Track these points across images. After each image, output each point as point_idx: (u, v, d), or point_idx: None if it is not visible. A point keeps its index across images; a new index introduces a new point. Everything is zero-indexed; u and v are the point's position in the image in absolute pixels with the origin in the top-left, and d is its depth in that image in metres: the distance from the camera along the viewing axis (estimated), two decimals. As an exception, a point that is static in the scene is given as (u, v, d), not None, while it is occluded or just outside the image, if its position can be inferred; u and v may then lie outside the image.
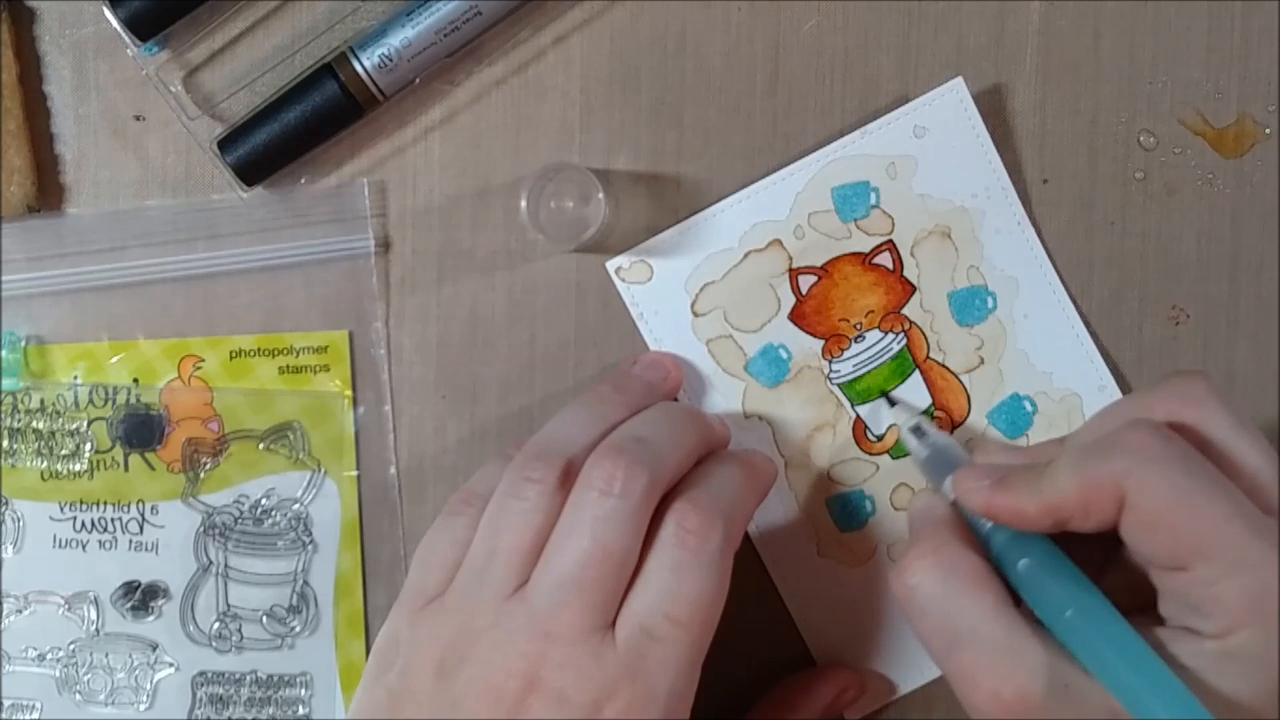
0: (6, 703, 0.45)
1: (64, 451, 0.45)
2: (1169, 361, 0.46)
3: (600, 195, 0.42)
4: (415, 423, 0.45)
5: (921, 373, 0.45)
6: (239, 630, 0.45)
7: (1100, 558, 0.37)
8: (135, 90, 0.44)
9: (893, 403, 0.45)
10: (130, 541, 0.45)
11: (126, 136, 0.44)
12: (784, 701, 0.44)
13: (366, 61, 0.42)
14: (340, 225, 0.45)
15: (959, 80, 0.44)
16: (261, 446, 0.45)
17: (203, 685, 0.45)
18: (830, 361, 0.45)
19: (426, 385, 0.45)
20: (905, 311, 0.45)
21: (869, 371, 0.45)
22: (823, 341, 0.45)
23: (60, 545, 0.45)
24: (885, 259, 0.45)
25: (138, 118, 0.44)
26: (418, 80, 0.43)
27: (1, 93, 0.43)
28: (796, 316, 0.45)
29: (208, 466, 0.45)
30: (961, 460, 0.41)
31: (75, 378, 0.45)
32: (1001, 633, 0.35)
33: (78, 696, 0.45)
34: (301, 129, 0.42)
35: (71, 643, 0.45)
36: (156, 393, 0.45)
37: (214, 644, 0.45)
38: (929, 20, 0.45)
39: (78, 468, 0.45)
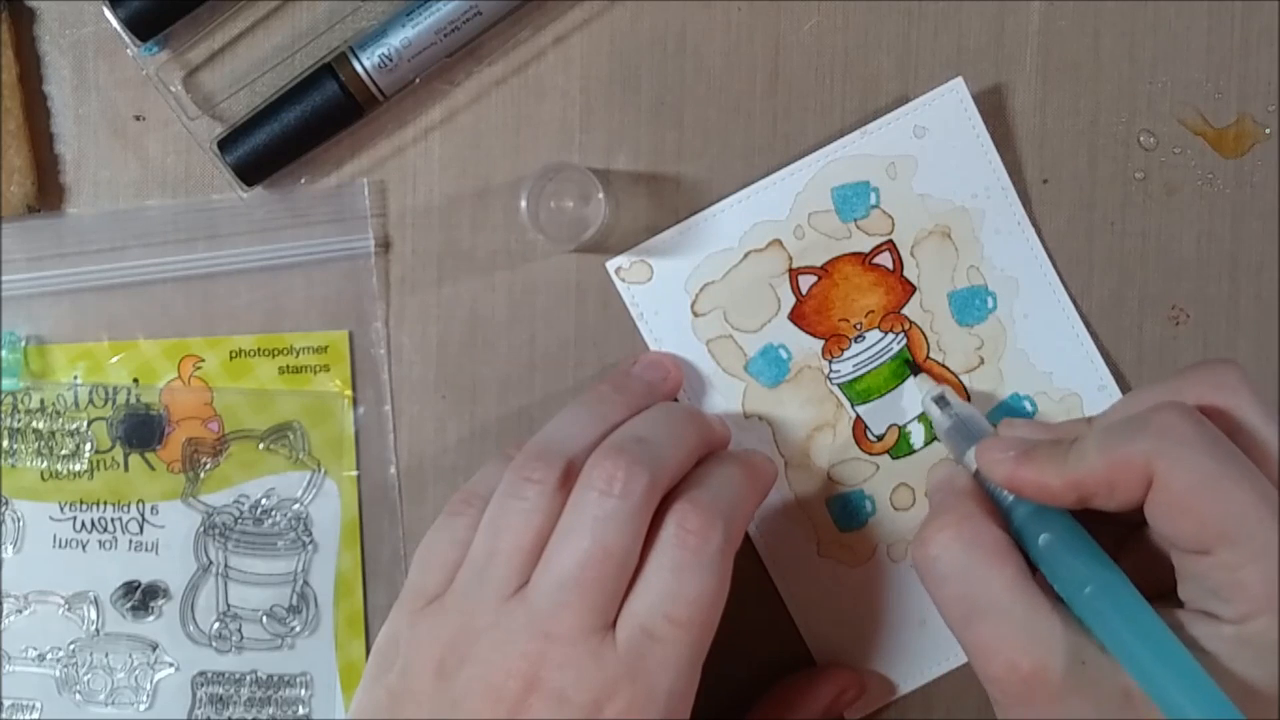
0: (6, 703, 0.45)
1: (64, 451, 0.45)
2: (1169, 361, 0.46)
3: (600, 195, 0.42)
4: (415, 423, 0.45)
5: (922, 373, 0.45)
6: (239, 630, 0.45)
7: (1118, 537, 0.37)
8: (135, 90, 0.44)
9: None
10: (130, 541, 0.45)
11: (126, 136, 0.44)
12: (784, 701, 0.44)
13: (366, 61, 0.42)
14: (340, 225, 0.45)
15: (959, 80, 0.44)
16: (261, 446, 0.45)
17: (203, 685, 0.45)
18: (830, 361, 0.45)
19: (426, 385, 0.45)
20: (905, 311, 0.45)
21: (869, 371, 0.45)
22: (823, 341, 0.45)
23: (60, 545, 0.45)
24: (885, 259, 0.45)
25: (138, 118, 0.44)
26: (418, 80, 0.43)
27: (1, 93, 0.43)
28: (796, 316, 0.45)
29: (208, 466, 0.45)
30: (985, 431, 0.41)
31: (75, 378, 0.45)
32: (1021, 606, 0.35)
33: (78, 696, 0.45)
34: (301, 129, 0.42)
35: (71, 643, 0.45)
36: (156, 393, 0.45)
37: (214, 644, 0.45)
38: (929, 20, 0.45)
39: (78, 468, 0.45)
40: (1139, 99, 0.45)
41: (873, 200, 0.44)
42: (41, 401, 0.45)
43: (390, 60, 0.42)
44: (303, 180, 0.44)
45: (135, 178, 0.45)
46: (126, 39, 0.42)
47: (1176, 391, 0.37)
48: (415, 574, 0.39)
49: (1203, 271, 0.46)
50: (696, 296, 0.44)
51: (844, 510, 0.45)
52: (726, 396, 0.45)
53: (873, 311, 0.45)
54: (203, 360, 0.45)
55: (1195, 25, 0.45)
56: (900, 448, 0.45)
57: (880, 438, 0.45)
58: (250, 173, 0.43)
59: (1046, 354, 0.45)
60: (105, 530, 0.45)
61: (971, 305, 0.45)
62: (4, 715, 0.45)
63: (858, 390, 0.45)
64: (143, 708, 0.45)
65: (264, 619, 0.45)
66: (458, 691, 0.35)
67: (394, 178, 0.45)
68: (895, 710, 0.46)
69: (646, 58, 0.45)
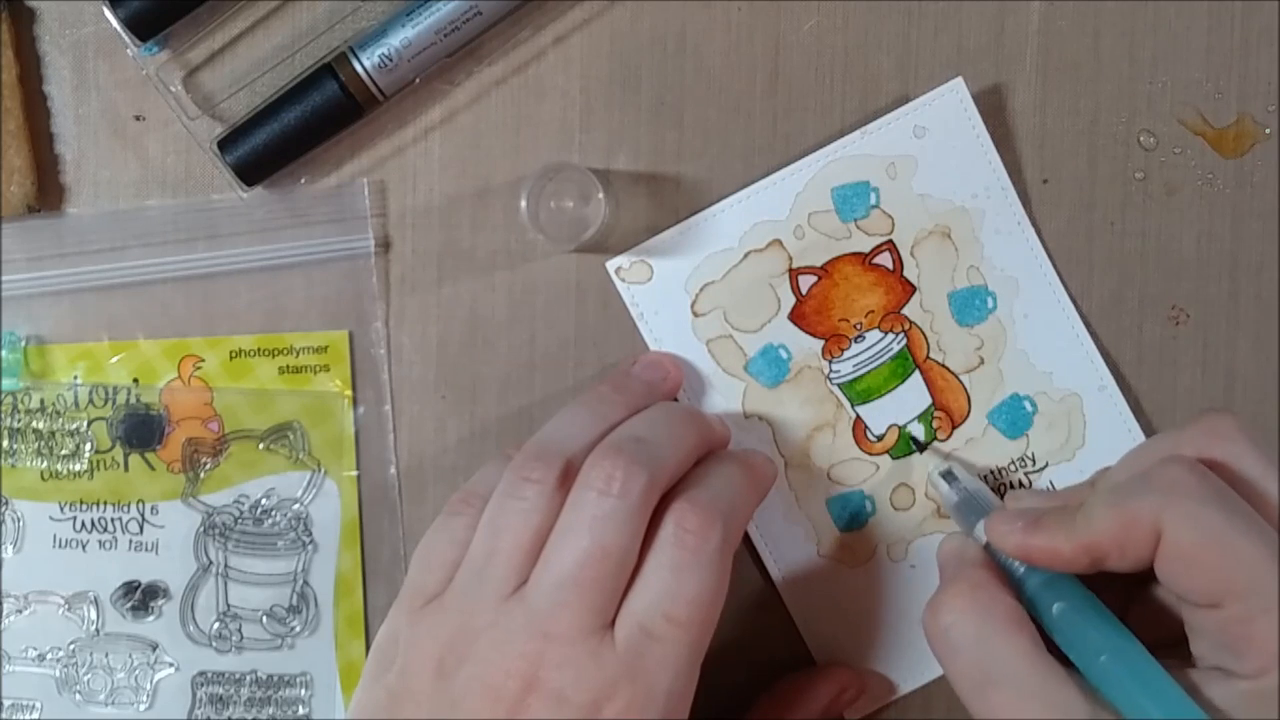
0: (6, 703, 0.45)
1: (64, 451, 0.45)
2: (1169, 361, 0.46)
3: (600, 195, 0.42)
4: (415, 423, 0.45)
5: (921, 373, 0.45)
6: (239, 630, 0.45)
7: (1125, 594, 0.37)
8: (135, 90, 0.44)
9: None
10: (130, 541, 0.45)
11: (126, 136, 0.44)
12: (784, 701, 0.44)
13: (366, 61, 0.42)
14: (340, 225, 0.45)
15: (959, 80, 0.44)
16: (261, 446, 0.45)
17: (203, 685, 0.45)
18: (830, 361, 0.45)
19: (426, 385, 0.45)
20: (905, 311, 0.45)
21: (869, 371, 0.45)
22: (823, 341, 0.45)
23: (60, 545, 0.45)
24: (885, 259, 0.45)
25: (138, 118, 0.44)
26: (418, 80, 0.43)
27: (2, 93, 0.43)
28: (796, 316, 0.45)
29: (208, 466, 0.45)
30: (993, 505, 0.41)
31: (75, 378, 0.45)
32: (1038, 676, 0.35)
33: (78, 696, 0.45)
34: (301, 129, 0.42)
35: (71, 643, 0.45)
36: (156, 393, 0.45)
37: (214, 644, 0.45)
38: (929, 20, 0.45)
39: (78, 468, 0.45)
40: (1139, 99, 0.45)
41: (873, 200, 0.44)
42: (41, 401, 0.45)
43: (390, 60, 0.42)
44: (303, 180, 0.44)
45: (135, 178, 0.45)
46: (126, 39, 0.42)
47: (1175, 444, 0.37)
48: (414, 573, 0.39)
49: (1203, 271, 0.46)
50: (696, 296, 0.44)
51: (844, 510, 0.45)
52: (726, 396, 0.45)
53: (873, 311, 0.45)
54: (203, 360, 0.45)
55: (1195, 25, 0.45)
56: (900, 448, 0.45)
57: (880, 438, 0.45)
58: (250, 173, 0.43)
59: (1046, 354, 0.45)
60: (105, 530, 0.45)
61: (971, 305, 0.45)
62: (4, 715, 0.45)
63: (858, 390, 0.45)
64: (143, 708, 0.45)
65: (264, 619, 0.45)
66: (457, 691, 0.35)
67: (394, 178, 0.45)
68: (895, 710, 0.46)
69: (646, 58, 0.45)
